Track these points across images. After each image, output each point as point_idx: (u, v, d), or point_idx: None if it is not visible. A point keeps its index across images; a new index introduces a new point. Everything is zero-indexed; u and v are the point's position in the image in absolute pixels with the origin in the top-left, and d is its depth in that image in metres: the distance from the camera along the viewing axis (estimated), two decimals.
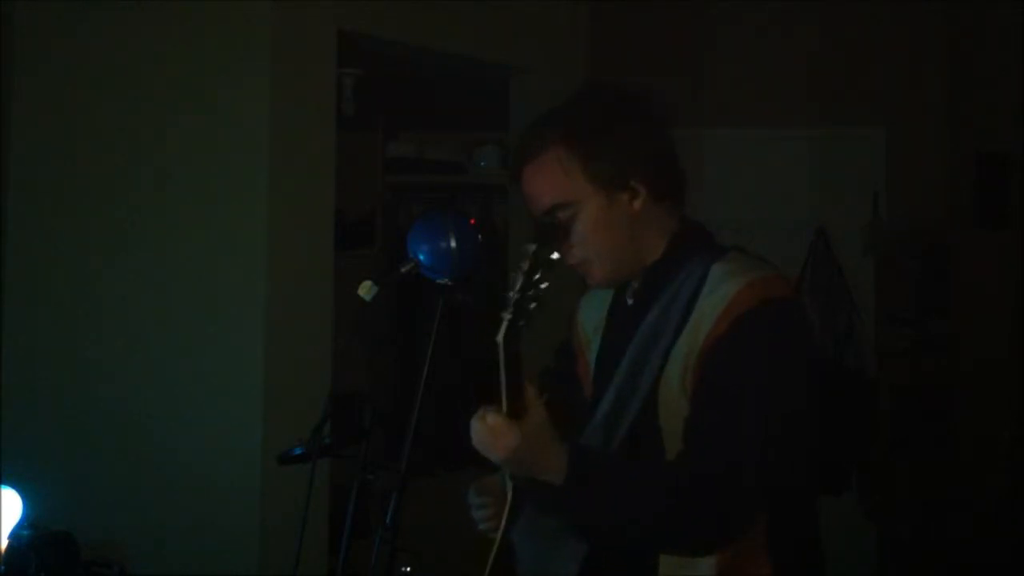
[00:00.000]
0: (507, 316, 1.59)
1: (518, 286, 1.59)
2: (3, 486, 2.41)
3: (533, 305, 1.59)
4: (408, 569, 1.88)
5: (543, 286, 1.60)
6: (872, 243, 4.81)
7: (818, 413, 1.77)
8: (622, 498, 1.66)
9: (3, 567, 2.39)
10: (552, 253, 1.63)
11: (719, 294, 1.73)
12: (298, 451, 2.19)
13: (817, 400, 1.76)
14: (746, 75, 4.70)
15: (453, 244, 1.81)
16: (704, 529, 1.68)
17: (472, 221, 1.84)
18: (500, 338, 1.60)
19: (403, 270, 1.84)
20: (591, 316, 1.97)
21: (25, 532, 2.46)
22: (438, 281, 1.87)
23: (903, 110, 4.79)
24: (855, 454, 4.01)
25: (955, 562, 4.32)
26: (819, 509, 1.85)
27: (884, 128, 4.83)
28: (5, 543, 2.39)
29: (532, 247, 1.61)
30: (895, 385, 4.71)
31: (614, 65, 4.53)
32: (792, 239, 4.68)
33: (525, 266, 1.60)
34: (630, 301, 1.87)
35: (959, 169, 4.65)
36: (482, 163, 5.30)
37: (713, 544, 1.70)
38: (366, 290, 1.81)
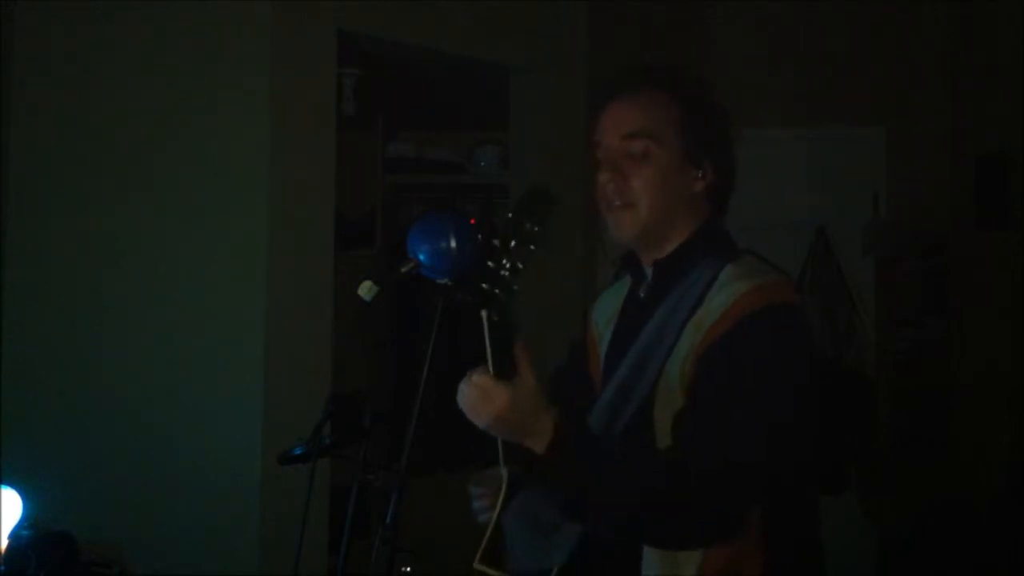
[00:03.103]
0: (485, 286, 1.62)
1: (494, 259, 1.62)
2: (3, 486, 2.42)
3: (506, 274, 1.62)
4: (408, 569, 1.88)
5: (519, 263, 1.62)
6: (872, 243, 4.81)
7: (817, 415, 1.77)
8: (604, 478, 1.66)
9: (3, 567, 2.39)
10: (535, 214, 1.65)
11: (725, 294, 1.74)
12: (298, 451, 2.19)
13: (816, 402, 1.76)
14: (746, 75, 4.70)
15: (453, 244, 1.81)
16: (681, 525, 1.67)
17: (472, 221, 1.84)
18: (484, 310, 1.62)
19: (403, 270, 1.84)
20: (604, 310, 1.99)
21: (25, 532, 2.47)
22: (438, 281, 1.87)
23: (903, 110, 4.79)
24: (855, 454, 4.00)
25: (955, 562, 4.31)
26: (819, 509, 1.85)
27: (884, 128, 4.83)
28: (5, 543, 2.39)
29: (509, 215, 1.63)
30: (895, 385, 4.70)
31: (614, 65, 4.52)
32: (792, 239, 4.68)
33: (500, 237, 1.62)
34: (642, 295, 1.89)
35: (959, 169, 4.64)
36: (482, 163, 5.30)
37: (689, 541, 1.70)
38: (366, 290, 1.80)
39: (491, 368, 1.63)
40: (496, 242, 1.63)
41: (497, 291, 1.62)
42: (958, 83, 4.73)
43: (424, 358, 1.81)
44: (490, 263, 1.63)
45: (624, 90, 1.85)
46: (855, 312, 4.64)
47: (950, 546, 4.33)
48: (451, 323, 1.83)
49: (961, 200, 4.62)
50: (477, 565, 1.69)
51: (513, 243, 1.62)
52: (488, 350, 1.63)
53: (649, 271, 1.87)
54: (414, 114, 5.19)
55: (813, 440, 1.79)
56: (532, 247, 1.64)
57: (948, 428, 4.59)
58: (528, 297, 4.14)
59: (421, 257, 1.82)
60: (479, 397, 1.63)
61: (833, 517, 2.01)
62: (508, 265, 1.63)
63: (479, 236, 1.78)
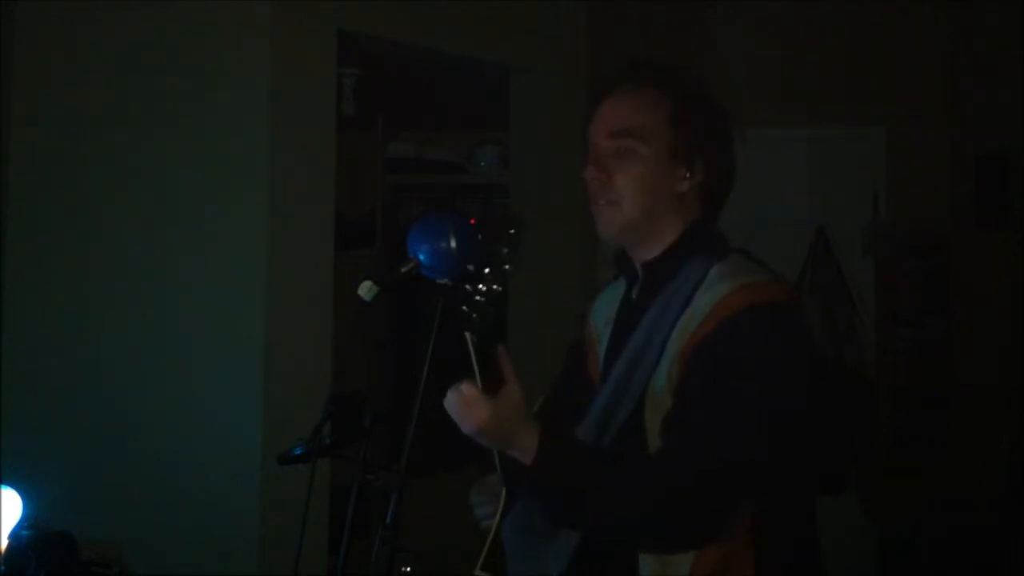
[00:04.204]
0: (465, 308, 1.64)
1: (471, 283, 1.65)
2: (3, 486, 2.42)
3: (479, 298, 1.64)
4: (408, 569, 1.88)
5: (495, 286, 1.64)
6: (872, 243, 4.81)
7: (813, 414, 1.76)
8: (590, 487, 1.66)
9: (3, 567, 2.39)
10: (510, 227, 1.67)
11: (710, 295, 1.73)
12: (298, 451, 2.18)
13: (812, 401, 1.75)
14: (746, 75, 4.70)
15: (453, 244, 1.81)
16: (666, 527, 1.67)
17: (472, 221, 1.84)
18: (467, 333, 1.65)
19: (403, 270, 1.84)
20: (602, 311, 1.98)
21: (25, 532, 2.46)
22: (438, 281, 1.87)
23: (903, 110, 4.79)
24: (855, 454, 4.01)
25: (955, 562, 4.31)
26: (818, 509, 1.84)
27: (884, 128, 4.83)
28: (5, 543, 2.39)
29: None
30: (895, 385, 4.71)
31: (614, 65, 4.52)
32: (792, 239, 4.68)
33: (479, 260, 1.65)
34: (634, 296, 1.89)
35: (959, 169, 4.65)
36: (482, 163, 5.31)
37: (674, 544, 1.70)
38: (366, 290, 1.80)
39: (479, 381, 1.64)
40: (471, 267, 1.65)
41: (475, 315, 1.64)
42: (958, 83, 4.73)
43: (424, 358, 1.81)
44: (467, 287, 1.65)
45: (619, 87, 1.85)
46: (855, 312, 4.64)
47: (950, 546, 4.34)
48: (451, 323, 1.84)
49: (961, 200, 4.62)
50: (477, 572, 1.70)
51: (486, 270, 1.64)
52: (475, 366, 1.64)
53: (640, 272, 1.87)
54: (414, 114, 5.19)
55: (809, 439, 1.77)
56: (506, 267, 1.66)
57: (948, 428, 4.60)
58: (527, 298, 4.15)
59: (421, 257, 1.82)
60: (462, 408, 1.65)
61: (833, 517, 2.01)
62: (484, 289, 1.64)
63: (479, 236, 1.78)
